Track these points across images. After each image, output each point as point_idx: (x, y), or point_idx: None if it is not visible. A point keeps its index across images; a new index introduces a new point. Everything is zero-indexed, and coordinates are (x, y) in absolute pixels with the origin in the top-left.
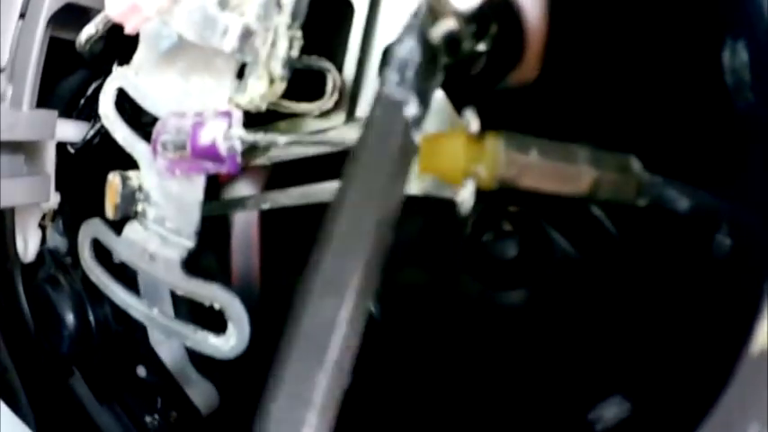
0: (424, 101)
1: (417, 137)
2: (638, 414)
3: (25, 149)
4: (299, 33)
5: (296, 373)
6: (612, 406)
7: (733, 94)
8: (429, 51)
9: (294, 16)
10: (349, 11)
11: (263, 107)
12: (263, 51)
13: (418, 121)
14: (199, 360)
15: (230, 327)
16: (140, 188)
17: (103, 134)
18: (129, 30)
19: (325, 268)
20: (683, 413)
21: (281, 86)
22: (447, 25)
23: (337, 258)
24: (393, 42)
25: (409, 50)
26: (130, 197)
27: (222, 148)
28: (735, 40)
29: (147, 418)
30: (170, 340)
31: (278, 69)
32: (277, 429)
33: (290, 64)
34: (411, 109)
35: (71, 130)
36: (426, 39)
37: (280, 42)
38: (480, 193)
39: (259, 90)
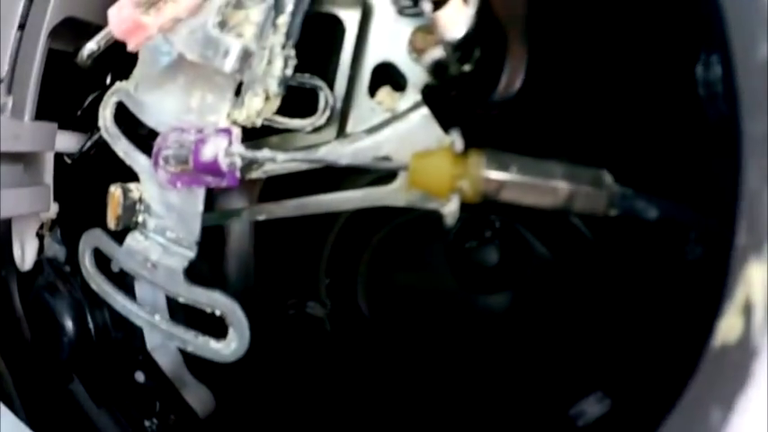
0: None
1: None
2: (619, 408)
3: (24, 160)
4: (292, 52)
5: None
6: (593, 402)
7: (706, 106)
8: None
9: (288, 36)
10: (340, 30)
11: (259, 123)
12: (259, 70)
13: None
14: (194, 365)
15: (231, 332)
16: (141, 199)
17: (100, 145)
18: (131, 47)
19: None
20: (657, 404)
21: (276, 103)
22: (435, 54)
23: None
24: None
25: None
26: (132, 208)
27: (223, 164)
28: (708, 53)
29: (147, 422)
30: (166, 346)
31: (273, 87)
32: None
33: (284, 82)
34: None
35: (69, 141)
36: None
37: (275, 61)
38: (464, 203)
39: (256, 107)
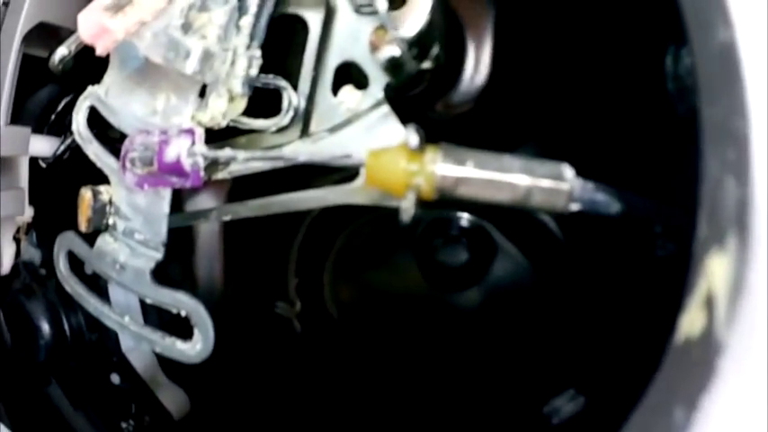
0: None
1: None
2: (593, 406)
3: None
4: (257, 53)
5: None
6: (566, 399)
7: (675, 100)
8: None
9: (253, 37)
10: (303, 31)
11: (224, 124)
12: (222, 71)
13: None
14: (169, 366)
15: (196, 332)
16: (111, 202)
17: (73, 149)
18: (99, 51)
19: None
20: (630, 401)
21: (242, 104)
22: (388, 51)
23: None
24: None
25: None
26: (102, 211)
27: (186, 164)
28: (678, 46)
29: (123, 424)
30: (141, 348)
31: (237, 88)
32: None
33: (249, 82)
34: None
35: (43, 146)
36: None
37: (238, 62)
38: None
39: (220, 108)
